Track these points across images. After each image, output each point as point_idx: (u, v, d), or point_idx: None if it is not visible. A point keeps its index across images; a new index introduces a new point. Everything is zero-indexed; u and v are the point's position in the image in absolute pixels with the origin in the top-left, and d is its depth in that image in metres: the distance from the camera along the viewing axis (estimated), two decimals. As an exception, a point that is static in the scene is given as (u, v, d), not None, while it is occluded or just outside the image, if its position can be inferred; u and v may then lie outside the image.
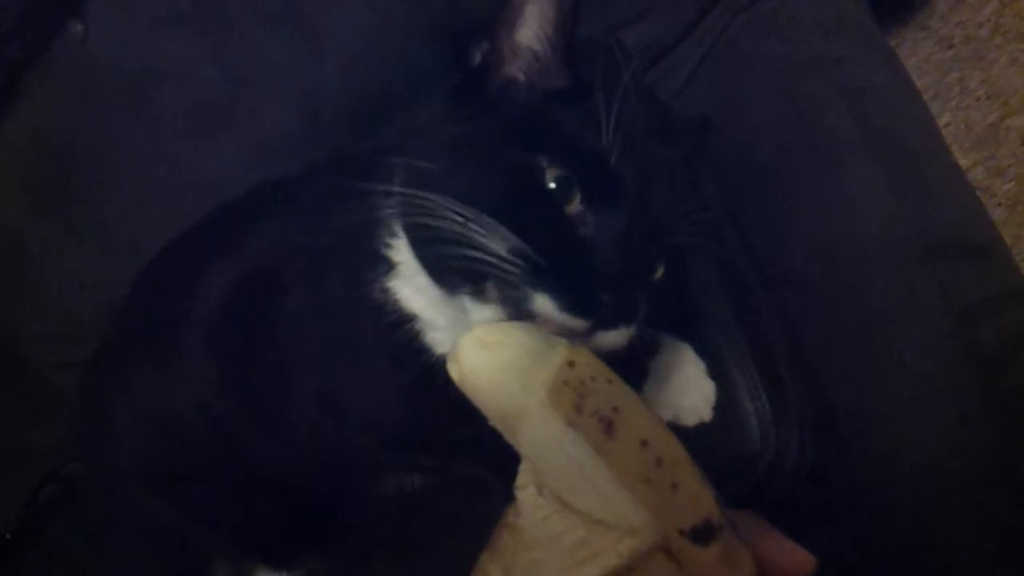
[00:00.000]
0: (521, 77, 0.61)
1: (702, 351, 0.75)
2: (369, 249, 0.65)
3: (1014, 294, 0.81)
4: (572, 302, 0.51)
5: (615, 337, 0.53)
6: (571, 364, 0.44)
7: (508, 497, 0.73)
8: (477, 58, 0.63)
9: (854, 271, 0.81)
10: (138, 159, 0.97)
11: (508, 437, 0.46)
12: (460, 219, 0.53)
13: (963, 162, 1.14)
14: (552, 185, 0.56)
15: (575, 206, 0.55)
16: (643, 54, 0.98)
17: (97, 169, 0.98)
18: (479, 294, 0.55)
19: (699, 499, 0.43)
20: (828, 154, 0.86)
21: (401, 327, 0.65)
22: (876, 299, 0.80)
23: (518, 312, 0.53)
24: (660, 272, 0.60)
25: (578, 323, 0.51)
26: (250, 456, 0.79)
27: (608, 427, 0.42)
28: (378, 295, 0.65)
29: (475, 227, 0.52)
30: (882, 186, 0.83)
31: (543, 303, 0.51)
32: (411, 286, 0.64)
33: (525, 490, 0.46)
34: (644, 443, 0.42)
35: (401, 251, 0.63)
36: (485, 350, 0.46)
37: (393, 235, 0.63)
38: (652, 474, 0.42)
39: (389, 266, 0.64)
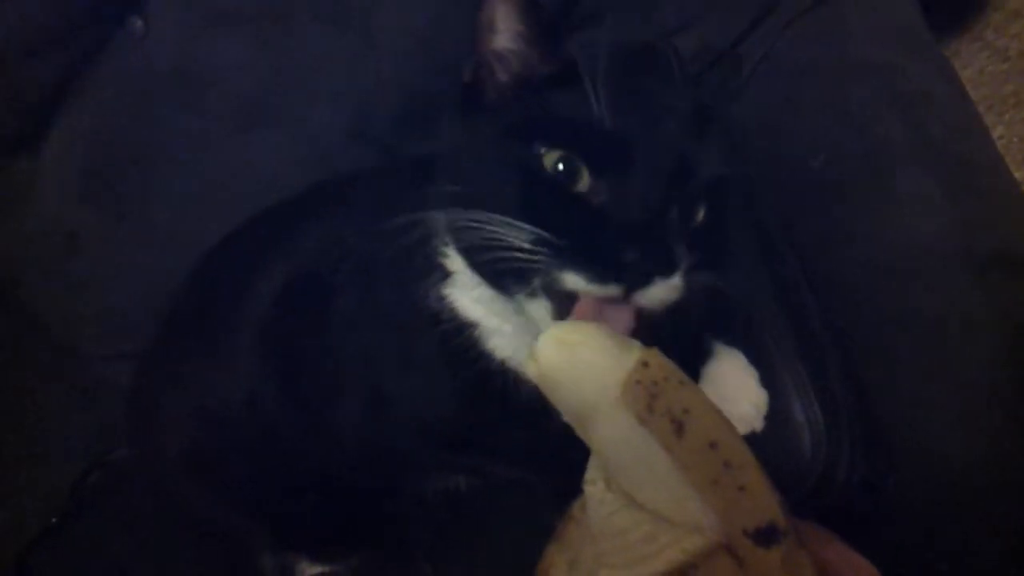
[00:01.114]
0: (511, 79, 0.63)
1: (754, 360, 0.74)
2: (423, 258, 0.66)
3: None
4: (598, 272, 0.52)
5: (659, 293, 0.54)
6: (645, 364, 0.44)
7: (553, 503, 0.74)
8: (468, 75, 0.65)
9: (905, 281, 0.80)
10: (188, 153, 0.99)
11: (581, 433, 0.47)
12: (481, 225, 0.55)
13: (1016, 176, 1.13)
14: (560, 167, 0.57)
15: (585, 181, 0.57)
16: (697, 58, 0.98)
17: (148, 162, 0.99)
18: (531, 292, 0.56)
19: (764, 502, 0.43)
20: (881, 162, 0.84)
21: (461, 334, 0.66)
22: (926, 310, 0.79)
23: (559, 297, 0.55)
24: (701, 214, 0.60)
25: (610, 290, 0.52)
26: (295, 451, 0.80)
27: (678, 428, 0.42)
28: (434, 304, 0.66)
29: (495, 229, 0.54)
30: (935, 196, 0.81)
31: (572, 280, 0.53)
32: (469, 295, 0.65)
33: (594, 485, 0.46)
34: (713, 445, 0.42)
35: (455, 260, 0.64)
36: (564, 349, 0.46)
37: (446, 244, 0.64)
38: (720, 476, 0.42)
39: (444, 274, 0.65)
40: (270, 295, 0.79)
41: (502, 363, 0.66)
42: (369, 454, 0.78)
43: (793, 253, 0.85)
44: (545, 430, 0.71)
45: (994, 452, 0.73)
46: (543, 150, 0.57)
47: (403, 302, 0.68)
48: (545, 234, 0.54)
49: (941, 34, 1.24)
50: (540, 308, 0.56)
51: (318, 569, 0.91)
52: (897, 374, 0.78)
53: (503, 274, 0.58)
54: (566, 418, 0.47)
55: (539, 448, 0.72)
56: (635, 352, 0.45)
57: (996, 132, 1.19)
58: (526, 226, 0.54)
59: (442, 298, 0.66)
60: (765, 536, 0.42)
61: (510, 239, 0.54)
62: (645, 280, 0.53)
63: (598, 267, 0.52)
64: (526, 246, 0.54)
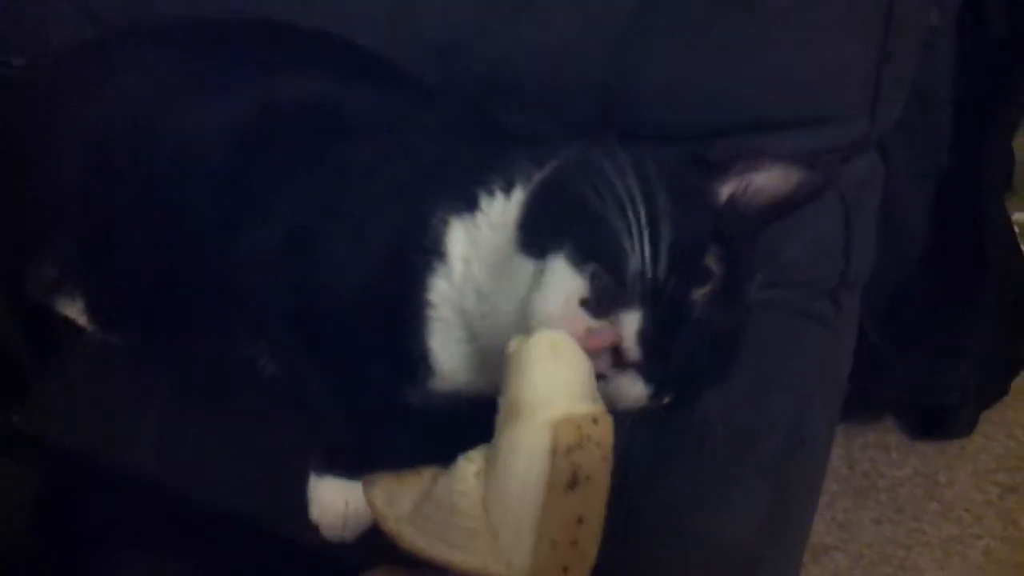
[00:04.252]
0: (730, 197, 0.66)
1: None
2: (467, 186, 0.65)
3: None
4: (654, 342, 0.53)
5: (637, 392, 0.55)
6: (594, 420, 0.46)
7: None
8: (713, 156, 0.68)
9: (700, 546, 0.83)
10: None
11: (499, 419, 0.48)
12: (633, 198, 0.55)
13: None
14: (709, 266, 0.58)
15: (704, 295, 0.58)
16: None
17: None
18: (577, 262, 0.55)
19: None
20: (753, 445, 0.87)
21: (422, 255, 0.65)
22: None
23: (601, 305, 0.53)
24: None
25: (635, 356, 0.53)
26: (178, 218, 0.77)
27: (572, 483, 0.45)
28: (434, 218, 0.65)
29: (640, 217, 0.54)
30: (763, 502, 0.86)
31: (631, 320, 0.53)
32: (471, 235, 0.64)
33: (469, 463, 0.48)
34: (580, 520, 0.45)
35: (495, 204, 0.64)
36: (552, 351, 0.48)
37: (504, 189, 0.64)
38: (562, 547, 0.44)
39: (471, 208, 0.65)
40: (280, 93, 0.77)
41: (424, 301, 0.65)
42: (234, 281, 0.74)
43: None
44: (398, 399, 0.72)
45: None
46: (717, 248, 0.59)
47: (410, 193, 0.67)
48: (659, 270, 0.54)
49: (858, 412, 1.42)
50: (565, 278, 0.55)
51: (79, 318, 0.86)
52: None
53: (565, 230, 0.56)
54: (501, 399, 0.49)
55: (382, 405, 0.73)
56: (598, 408, 0.47)
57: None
58: (649, 251, 0.54)
59: (446, 221, 0.65)
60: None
61: (631, 236, 0.54)
62: (656, 381, 0.55)
63: (658, 342, 0.53)
64: (634, 258, 0.54)
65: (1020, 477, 1.37)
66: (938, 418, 1.39)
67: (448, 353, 0.67)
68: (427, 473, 0.51)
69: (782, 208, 0.68)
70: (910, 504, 1.35)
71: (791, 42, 0.82)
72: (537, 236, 0.59)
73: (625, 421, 0.56)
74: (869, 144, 0.91)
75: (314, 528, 0.74)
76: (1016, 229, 1.24)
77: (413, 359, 0.67)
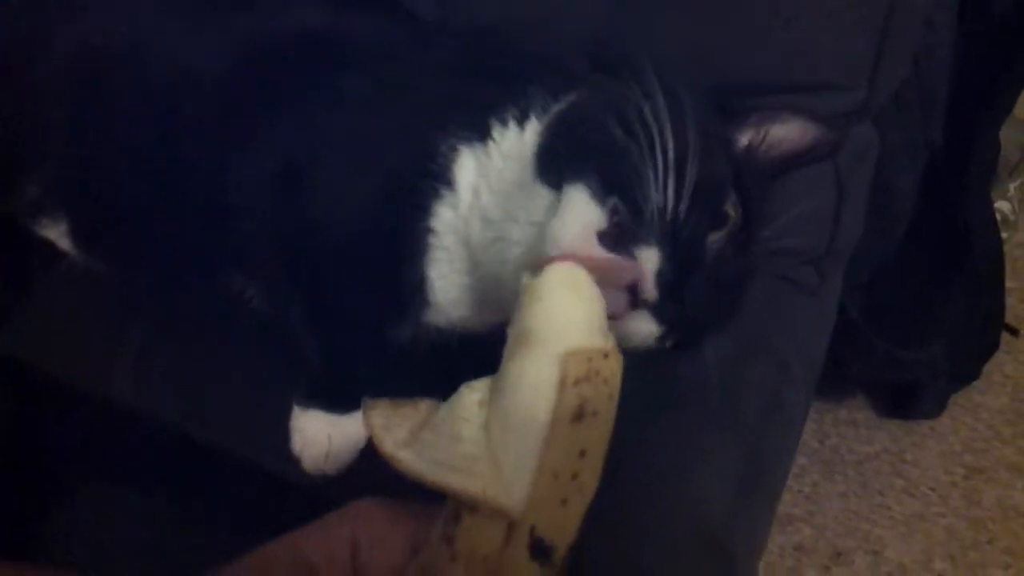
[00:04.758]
0: (747, 146, 0.67)
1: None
2: (478, 115, 0.64)
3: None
4: (670, 283, 0.52)
5: (648, 332, 0.54)
6: (605, 356, 0.45)
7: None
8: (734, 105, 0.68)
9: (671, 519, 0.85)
10: None
11: (507, 348, 0.47)
12: (663, 132, 0.53)
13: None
14: (727, 211, 0.58)
15: (718, 239, 0.58)
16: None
17: None
18: (598, 193, 0.54)
19: (567, 528, 0.44)
20: (730, 405, 0.89)
21: (429, 182, 0.63)
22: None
23: (617, 240, 0.53)
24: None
25: (651, 296, 0.52)
26: (168, 154, 0.75)
27: (577, 416, 0.44)
28: (444, 149, 0.64)
29: (669, 152, 0.53)
30: (737, 462, 0.89)
31: (649, 258, 0.52)
32: (481, 165, 0.63)
33: (472, 392, 0.47)
34: (583, 454, 0.44)
35: (508, 134, 0.63)
36: (566, 285, 0.47)
37: (518, 119, 0.63)
38: (563, 479, 0.44)
39: (482, 137, 0.63)
40: (288, 22, 0.76)
41: (427, 229, 0.64)
42: (223, 208, 0.72)
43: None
44: (388, 332, 0.72)
45: None
46: (734, 199, 0.59)
47: (417, 120, 0.65)
48: (678, 212, 0.53)
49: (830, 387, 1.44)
50: (580, 208, 0.54)
51: (61, 241, 0.84)
52: None
53: (586, 164, 0.55)
54: (510, 328, 0.48)
55: (370, 339, 0.72)
56: (609, 342, 0.47)
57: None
58: (670, 190, 0.53)
59: (455, 149, 0.63)
60: (541, 550, 0.44)
61: (650, 174, 0.53)
62: (667, 326, 0.54)
63: (675, 285, 0.53)
64: (651, 193, 0.53)
65: (985, 459, 1.40)
66: (908, 397, 1.41)
67: (446, 283, 0.66)
68: (423, 404, 0.50)
69: (795, 162, 0.69)
70: (876, 480, 1.38)
71: (794, 6, 0.82)
72: (556, 165, 0.58)
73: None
74: (866, 114, 0.92)
75: (295, 461, 0.73)
76: (998, 216, 1.26)
77: (409, 288, 0.67)
